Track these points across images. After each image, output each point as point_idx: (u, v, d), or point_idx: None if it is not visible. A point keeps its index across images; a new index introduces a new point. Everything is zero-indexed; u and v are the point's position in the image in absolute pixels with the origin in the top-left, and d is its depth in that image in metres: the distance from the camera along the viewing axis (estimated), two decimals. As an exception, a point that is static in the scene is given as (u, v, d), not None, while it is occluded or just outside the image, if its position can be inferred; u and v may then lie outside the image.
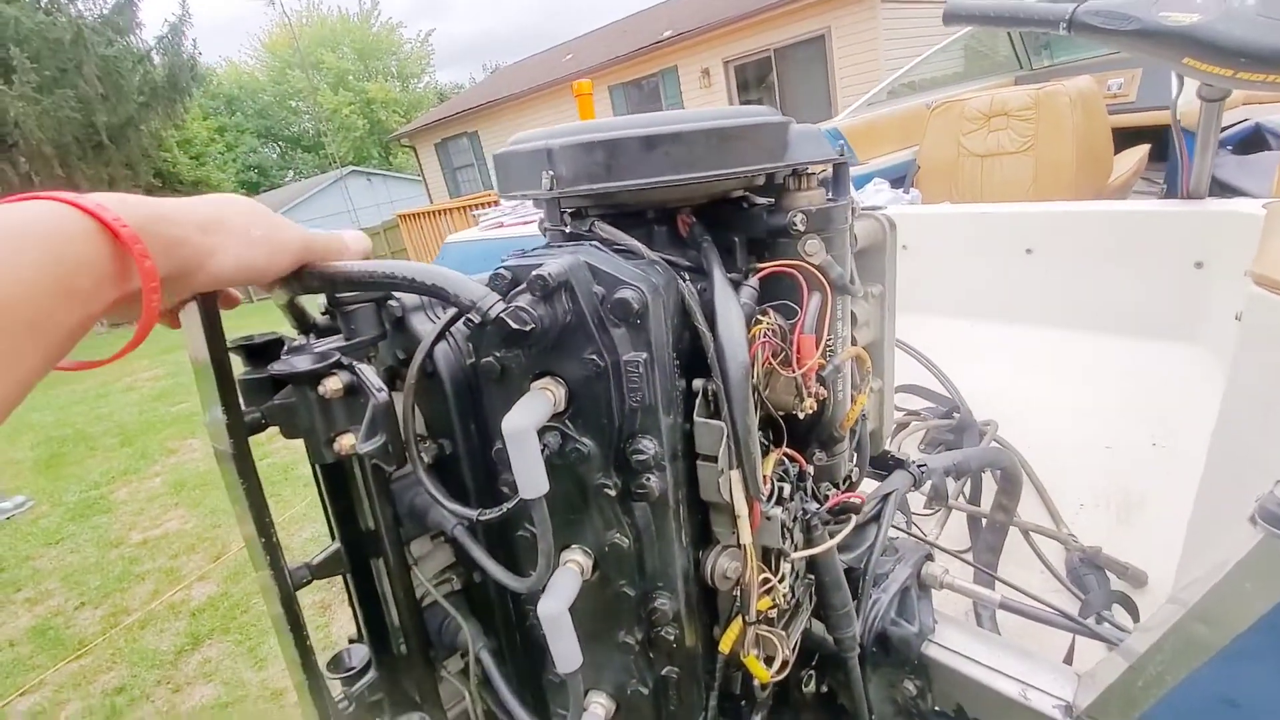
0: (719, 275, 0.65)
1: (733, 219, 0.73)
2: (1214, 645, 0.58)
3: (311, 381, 0.57)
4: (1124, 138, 3.62)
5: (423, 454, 0.65)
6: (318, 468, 0.66)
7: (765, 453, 0.68)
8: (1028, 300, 1.97)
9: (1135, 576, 1.34)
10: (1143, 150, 3.62)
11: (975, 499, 1.50)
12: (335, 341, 0.61)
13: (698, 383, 0.63)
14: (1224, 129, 2.37)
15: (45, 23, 15.66)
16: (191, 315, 0.55)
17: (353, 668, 0.72)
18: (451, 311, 0.58)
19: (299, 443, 0.62)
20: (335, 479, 0.67)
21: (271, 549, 0.60)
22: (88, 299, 0.43)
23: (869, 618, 0.82)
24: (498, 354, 0.60)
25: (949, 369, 1.67)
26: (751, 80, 13.64)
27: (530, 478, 0.51)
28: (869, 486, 0.96)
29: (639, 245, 0.64)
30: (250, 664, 3.18)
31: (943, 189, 3.45)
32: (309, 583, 0.65)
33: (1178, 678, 0.62)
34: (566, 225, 0.72)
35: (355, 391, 0.58)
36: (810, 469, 0.75)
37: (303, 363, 0.57)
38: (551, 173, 0.62)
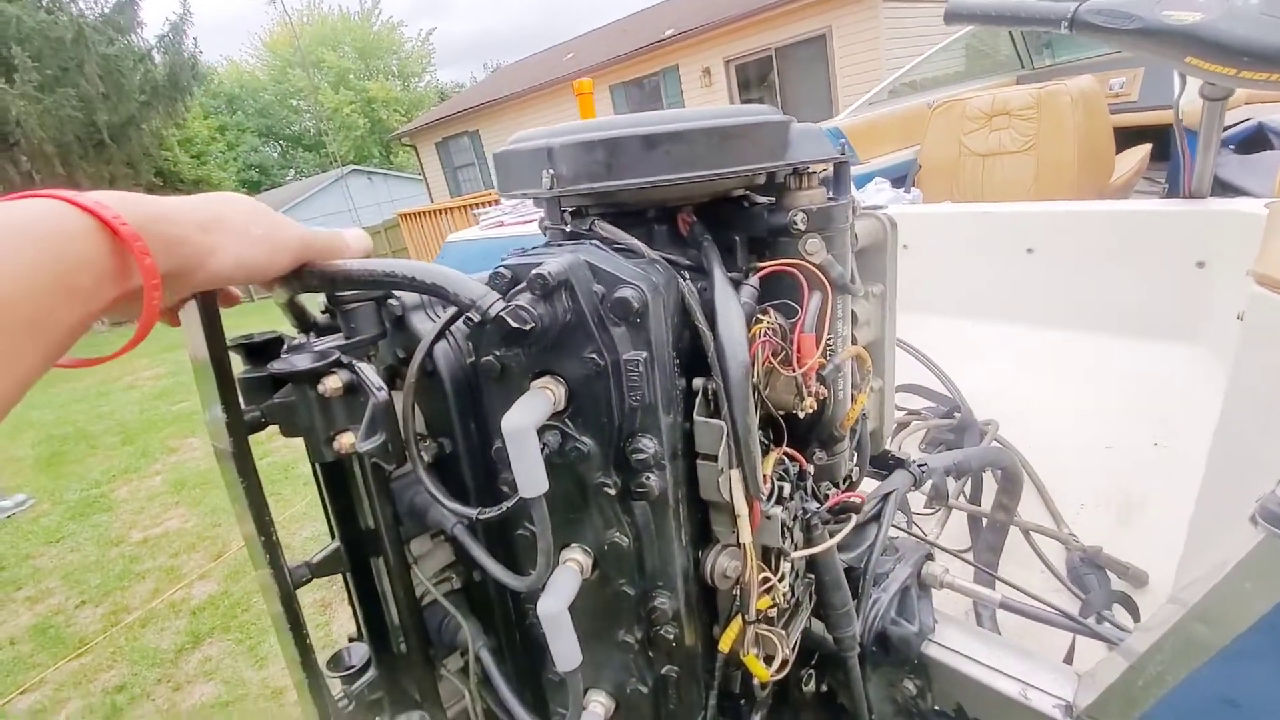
0: (719, 274, 0.65)
1: (733, 218, 0.73)
2: (1214, 645, 0.58)
3: (311, 380, 0.57)
4: (1126, 137, 3.61)
5: (422, 453, 0.65)
6: (317, 466, 0.66)
7: (765, 452, 0.68)
8: (1029, 300, 1.97)
9: (1136, 576, 1.34)
10: (1144, 150, 3.61)
11: (976, 499, 1.50)
12: (335, 340, 0.61)
13: (698, 382, 0.63)
14: (1226, 128, 2.37)
15: (46, 21, 15.66)
16: (191, 314, 0.55)
17: (352, 666, 0.72)
18: (451, 310, 0.58)
19: (299, 441, 0.62)
20: (335, 478, 0.67)
21: (271, 547, 0.60)
22: (88, 297, 0.43)
23: (869, 617, 0.82)
24: (497, 353, 0.60)
25: (950, 369, 1.67)
26: (753, 79, 13.63)
27: (530, 477, 0.51)
28: (869, 486, 0.96)
29: (639, 244, 0.64)
30: (250, 662, 3.19)
31: (944, 188, 3.45)
32: (309, 581, 0.65)
33: (1178, 677, 0.62)
34: (567, 224, 0.72)
35: (355, 390, 0.57)
36: (810, 468, 0.75)
37: (302, 361, 0.57)
38: (552, 171, 0.62)
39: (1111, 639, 0.87)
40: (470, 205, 11.31)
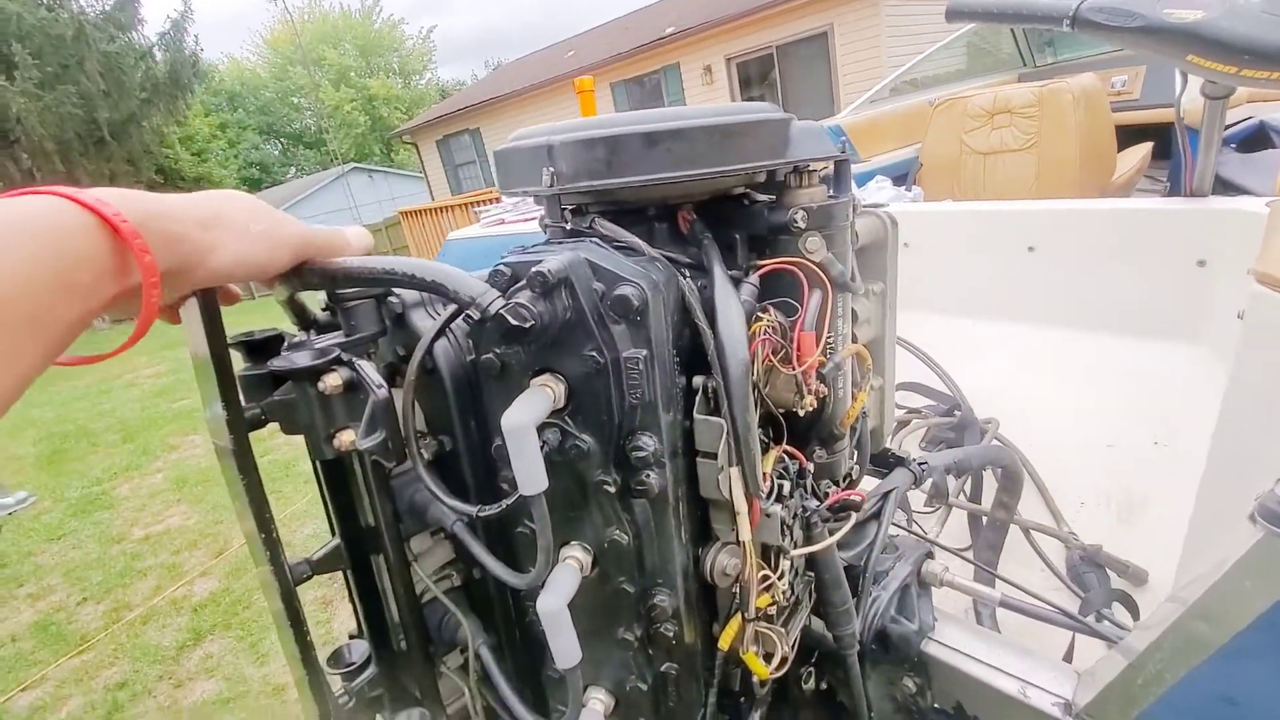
0: (719, 272, 0.65)
1: (734, 216, 0.73)
2: (1213, 643, 0.58)
3: (311, 378, 0.57)
4: (1127, 135, 3.61)
5: (423, 450, 0.65)
6: (318, 464, 0.66)
7: (765, 450, 0.68)
8: (1029, 298, 1.97)
9: (1135, 575, 1.34)
10: (1146, 148, 3.61)
11: (976, 497, 1.50)
12: (335, 338, 0.61)
13: (698, 380, 0.63)
14: (1228, 127, 2.37)
15: (47, 19, 15.65)
16: (192, 311, 0.55)
17: (353, 663, 0.72)
18: (452, 308, 0.58)
19: (300, 439, 0.62)
20: (335, 475, 0.67)
21: (272, 545, 0.60)
22: (87, 294, 0.43)
23: (869, 615, 0.82)
24: (497, 350, 0.60)
25: (950, 367, 1.67)
26: (754, 77, 13.61)
27: (529, 474, 0.52)
28: (869, 484, 0.96)
29: (639, 242, 0.64)
30: (252, 659, 3.19)
31: (945, 186, 3.44)
32: (309, 578, 0.65)
33: (1177, 676, 0.62)
34: (567, 222, 0.72)
35: (355, 388, 0.58)
36: (810, 466, 0.75)
37: (302, 359, 0.57)
38: (552, 169, 0.62)
39: (1111, 637, 0.87)
40: (471, 203, 11.30)
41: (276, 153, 44.15)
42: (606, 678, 0.70)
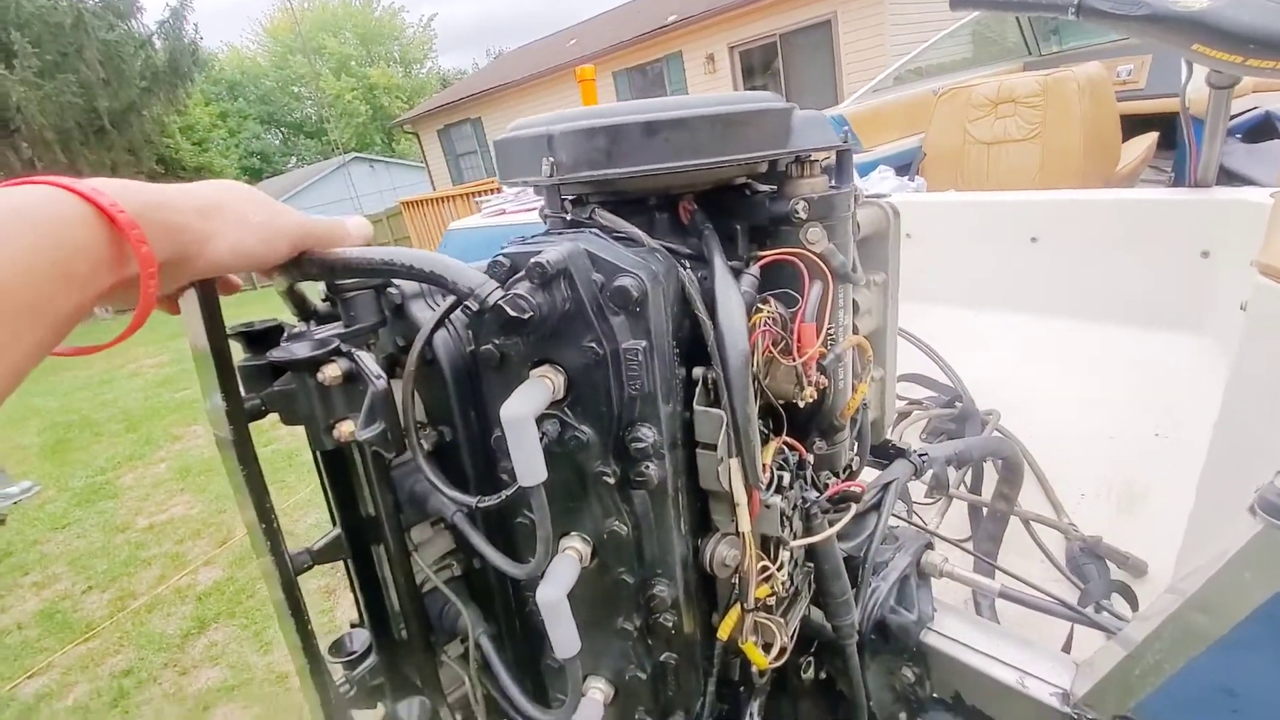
0: (720, 263, 0.65)
1: (735, 206, 0.72)
2: (1212, 634, 0.59)
3: (310, 368, 0.57)
4: (1132, 125, 3.58)
5: (422, 441, 0.65)
6: (318, 454, 0.66)
7: (765, 441, 0.68)
8: (1032, 289, 1.96)
9: (1135, 566, 1.34)
10: (1151, 138, 3.58)
11: (976, 488, 1.50)
12: (335, 329, 0.61)
13: (698, 371, 0.63)
14: (1233, 117, 2.35)
15: (46, 7, 15.58)
16: (191, 302, 0.55)
17: (354, 652, 0.72)
18: (451, 299, 0.58)
19: (302, 429, 0.62)
20: (335, 465, 0.67)
21: (272, 534, 0.61)
22: (84, 284, 0.43)
23: (868, 605, 0.82)
24: (497, 341, 0.60)
25: (952, 358, 1.67)
26: (757, 66, 13.51)
27: (529, 465, 0.52)
28: (870, 475, 0.96)
29: (639, 233, 0.64)
30: (256, 648, 3.22)
31: (948, 177, 3.43)
32: (310, 568, 0.66)
33: (1175, 666, 0.62)
34: (567, 212, 0.71)
35: (354, 379, 0.57)
36: (810, 458, 0.75)
37: (301, 350, 0.57)
38: (552, 159, 0.62)
39: (1110, 628, 0.87)
40: (473, 193, 11.27)
41: (277, 142, 43.98)
42: (606, 667, 0.70)
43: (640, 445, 0.59)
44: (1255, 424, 1.06)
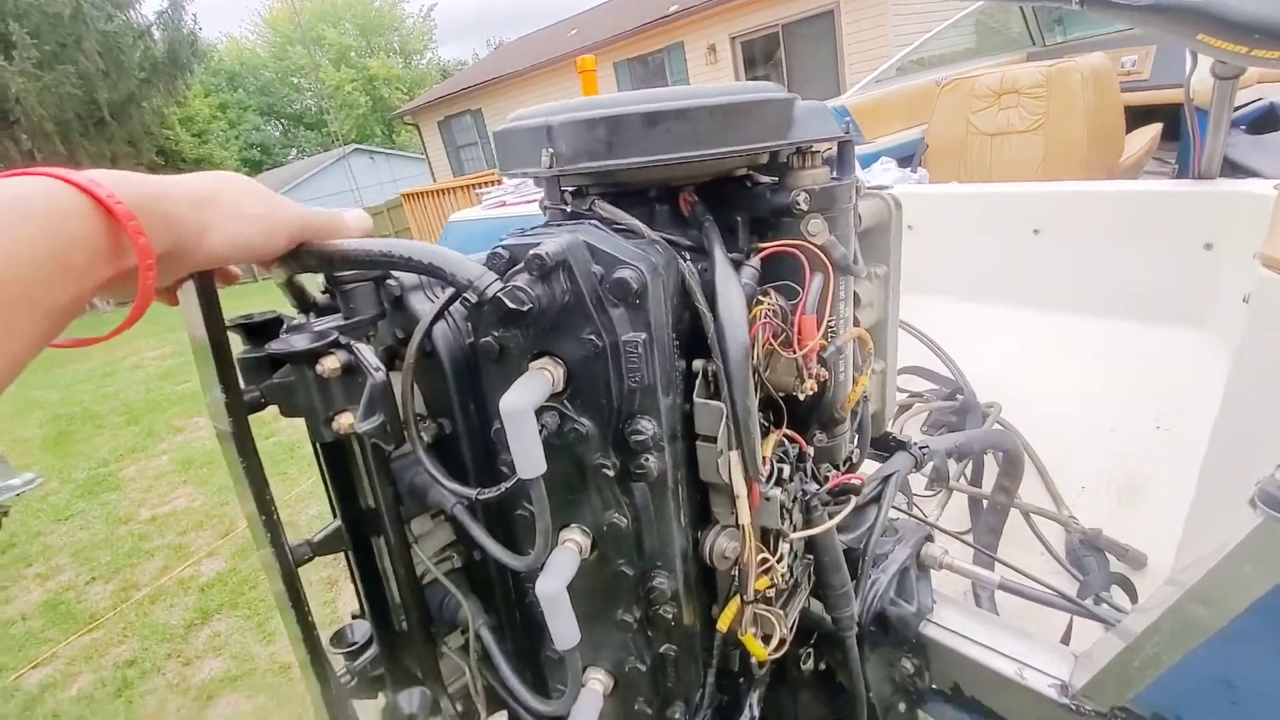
0: (720, 255, 0.64)
1: (736, 198, 0.72)
2: (1211, 626, 0.59)
3: (309, 360, 0.57)
4: (1136, 116, 3.56)
5: (422, 433, 0.65)
6: (318, 446, 0.66)
7: (765, 434, 0.68)
8: (1034, 282, 1.96)
9: (1135, 558, 1.35)
10: (1155, 129, 3.56)
11: (977, 481, 1.50)
12: (334, 321, 0.61)
13: (698, 363, 0.63)
14: (1237, 108, 2.33)
15: (44, -3, 15.51)
16: (189, 293, 0.55)
17: (355, 643, 0.73)
18: (450, 291, 0.58)
19: (303, 422, 0.62)
20: (335, 457, 0.67)
21: (272, 526, 0.61)
22: (82, 275, 0.43)
23: (868, 597, 0.82)
24: (496, 334, 0.60)
25: (954, 351, 1.66)
26: (759, 57, 13.44)
27: (528, 458, 0.51)
28: (870, 468, 0.96)
29: (639, 224, 0.63)
30: (258, 638, 3.24)
31: (951, 168, 3.41)
32: (310, 559, 0.66)
33: (1174, 658, 0.62)
34: (567, 204, 0.71)
35: (353, 371, 0.57)
36: (810, 450, 0.75)
37: (300, 342, 0.57)
38: (551, 150, 0.62)
39: (1109, 620, 0.87)
40: (473, 185, 11.24)
41: (277, 134, 43.86)
42: (606, 658, 0.70)
43: (640, 438, 0.59)
44: (1256, 416, 1.06)
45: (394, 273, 0.64)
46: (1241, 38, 1.00)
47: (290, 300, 0.66)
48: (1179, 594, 0.60)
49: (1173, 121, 3.61)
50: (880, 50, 10.75)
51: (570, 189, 0.73)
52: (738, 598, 0.67)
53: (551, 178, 0.68)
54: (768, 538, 0.68)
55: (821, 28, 12.20)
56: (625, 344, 0.57)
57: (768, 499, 0.64)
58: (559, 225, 0.65)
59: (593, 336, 0.57)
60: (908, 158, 3.54)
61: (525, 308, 0.53)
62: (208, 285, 0.55)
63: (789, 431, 0.71)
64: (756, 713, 0.76)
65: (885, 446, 1.00)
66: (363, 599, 0.74)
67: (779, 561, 0.67)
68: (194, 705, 2.88)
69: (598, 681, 0.68)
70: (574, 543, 0.62)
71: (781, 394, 0.69)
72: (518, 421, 0.51)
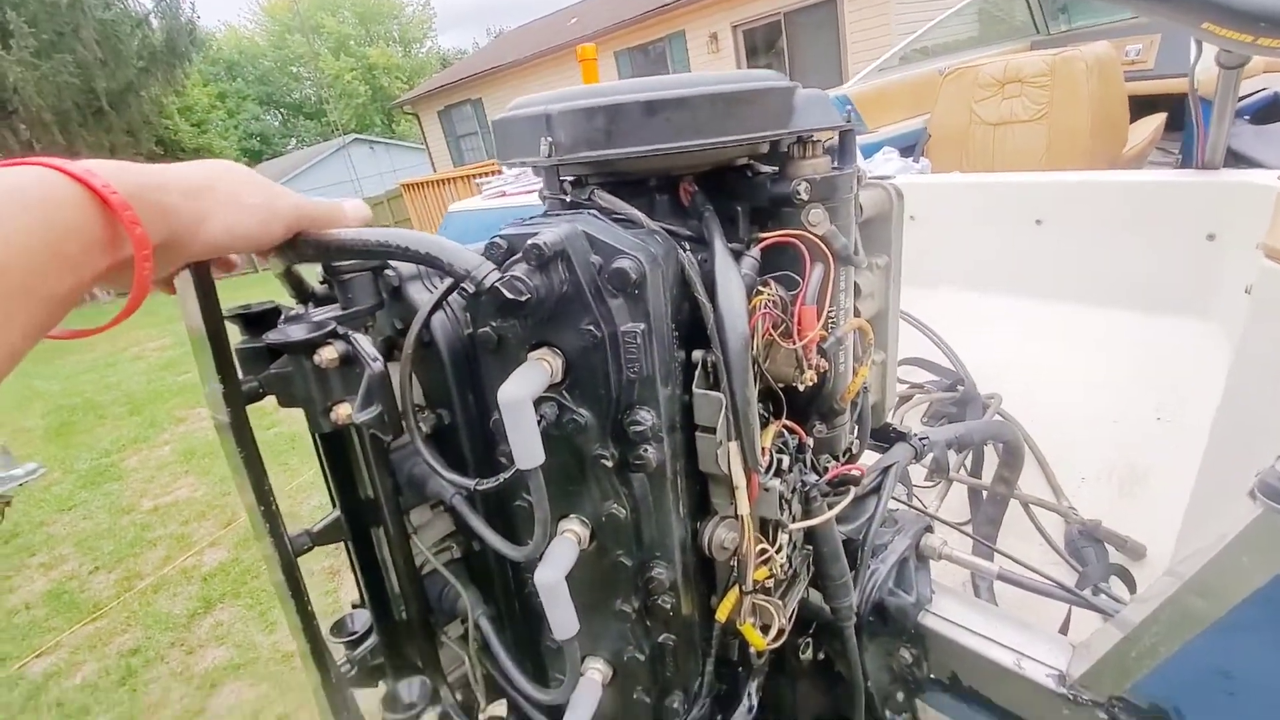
0: (720, 245, 0.64)
1: (736, 187, 0.71)
2: (1210, 617, 0.59)
3: (306, 351, 0.57)
4: (1140, 106, 3.54)
5: (421, 424, 0.65)
6: (317, 437, 0.66)
7: (764, 425, 0.67)
8: (1036, 272, 1.95)
9: (1134, 549, 1.35)
10: (1159, 119, 3.54)
11: (976, 472, 1.50)
12: (332, 311, 0.61)
13: (697, 354, 0.63)
14: (1242, 98, 2.32)
15: (41, -15, 15.40)
16: (186, 283, 0.55)
17: (355, 632, 0.73)
18: (448, 281, 0.57)
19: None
20: (334, 448, 0.67)
21: (271, 517, 0.61)
22: (79, 265, 0.43)
23: (867, 587, 0.82)
24: (494, 324, 0.60)
25: (955, 341, 1.66)
26: (760, 46, 13.34)
27: (526, 448, 0.51)
28: (870, 459, 0.96)
29: (639, 214, 0.63)
30: (261, 627, 3.25)
31: (953, 158, 3.39)
32: (309, 549, 0.66)
33: (1172, 649, 0.62)
34: (566, 194, 0.71)
35: (351, 361, 0.57)
36: (810, 441, 0.75)
37: (297, 332, 0.56)
38: (550, 139, 0.61)
39: (1107, 610, 0.88)
40: (473, 175, 11.20)
41: (276, 123, 43.66)
42: (605, 648, 0.70)
43: (639, 428, 0.59)
44: (1258, 408, 1.06)
45: (392, 263, 0.64)
46: (1247, 26, 0.98)
47: (288, 290, 0.66)
48: (1178, 585, 0.60)
49: (1176, 111, 3.59)
50: (883, 39, 10.66)
51: (569, 179, 0.72)
52: (736, 588, 0.68)
53: (550, 167, 0.68)
54: (767, 528, 0.68)
55: (823, 16, 12.11)
56: (624, 334, 0.57)
57: (767, 490, 0.64)
58: (558, 215, 0.65)
59: (591, 327, 0.56)
60: (910, 147, 3.52)
61: (523, 298, 0.53)
62: (204, 275, 0.55)
63: (788, 422, 0.71)
64: (755, 702, 0.77)
65: (885, 438, 1.00)
66: (362, 589, 0.74)
67: (778, 552, 0.67)
68: (197, 693, 2.90)
69: (596, 671, 0.69)
70: (573, 533, 0.62)
71: (781, 385, 0.69)
72: (516, 412, 0.51)
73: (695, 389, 0.62)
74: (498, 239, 0.57)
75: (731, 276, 0.61)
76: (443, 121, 21.15)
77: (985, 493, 1.44)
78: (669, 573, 0.64)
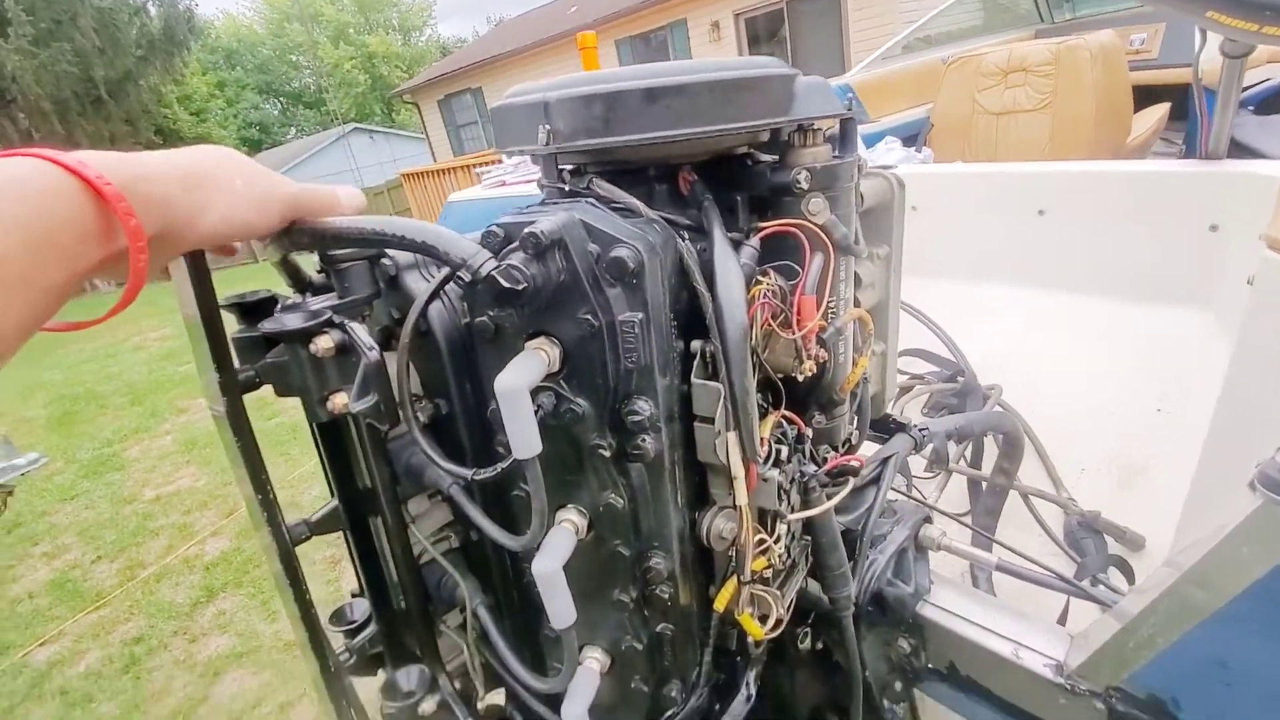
0: (719, 234, 0.64)
1: (736, 176, 0.71)
2: (1208, 608, 0.59)
3: (302, 339, 0.56)
4: (1144, 95, 3.51)
5: (419, 413, 0.65)
6: (314, 426, 0.66)
7: (763, 415, 0.67)
8: (1038, 263, 1.94)
9: (1133, 540, 1.35)
10: (1163, 109, 3.51)
11: (976, 463, 1.50)
12: (329, 300, 0.60)
13: (696, 344, 0.62)
14: (1246, 88, 2.30)
15: (38, -28, 15.29)
16: (182, 272, 0.54)
17: (354, 621, 0.73)
18: (446, 270, 0.57)
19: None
20: (332, 437, 0.67)
21: (269, 506, 0.61)
22: (73, 256, 0.43)
23: (865, 578, 0.82)
24: (491, 313, 0.59)
25: (956, 332, 1.66)
26: (763, 34, 13.25)
27: (523, 438, 0.51)
28: (870, 450, 0.96)
29: (637, 203, 0.63)
30: (263, 616, 3.27)
31: (956, 148, 3.37)
32: (307, 539, 0.66)
33: (1170, 639, 0.62)
34: (565, 182, 0.70)
35: (347, 350, 0.57)
36: (809, 431, 0.75)
37: (293, 321, 0.56)
38: (548, 127, 0.61)
39: (1105, 601, 0.88)
40: (474, 165, 11.15)
41: (276, 112, 43.46)
42: (603, 637, 0.71)
43: (637, 418, 0.58)
44: (1259, 399, 1.06)
45: (389, 252, 0.64)
46: (1252, 15, 0.97)
47: (285, 280, 0.65)
48: (1176, 575, 0.60)
49: (1181, 101, 3.56)
50: (886, 27, 10.58)
51: (568, 167, 0.72)
52: (735, 578, 0.68)
53: (548, 155, 0.67)
54: (765, 519, 0.68)
55: (826, 4, 12.01)
56: (622, 324, 0.56)
57: (765, 480, 0.64)
58: (555, 203, 0.65)
59: (589, 316, 0.56)
60: (912, 137, 3.50)
61: (520, 286, 0.52)
62: (200, 264, 0.55)
63: (787, 413, 0.70)
64: (753, 691, 0.77)
65: (885, 428, 1.00)
66: (361, 578, 0.74)
67: (776, 542, 0.67)
68: (200, 681, 2.92)
69: (594, 660, 0.69)
70: (570, 523, 0.62)
71: (780, 375, 0.69)
72: (513, 401, 0.50)
73: (694, 379, 0.62)
74: (494, 227, 0.57)
75: (730, 266, 0.61)
76: (443, 111, 21.04)
77: (985, 484, 1.44)
78: (667, 563, 0.64)
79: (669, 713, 0.72)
